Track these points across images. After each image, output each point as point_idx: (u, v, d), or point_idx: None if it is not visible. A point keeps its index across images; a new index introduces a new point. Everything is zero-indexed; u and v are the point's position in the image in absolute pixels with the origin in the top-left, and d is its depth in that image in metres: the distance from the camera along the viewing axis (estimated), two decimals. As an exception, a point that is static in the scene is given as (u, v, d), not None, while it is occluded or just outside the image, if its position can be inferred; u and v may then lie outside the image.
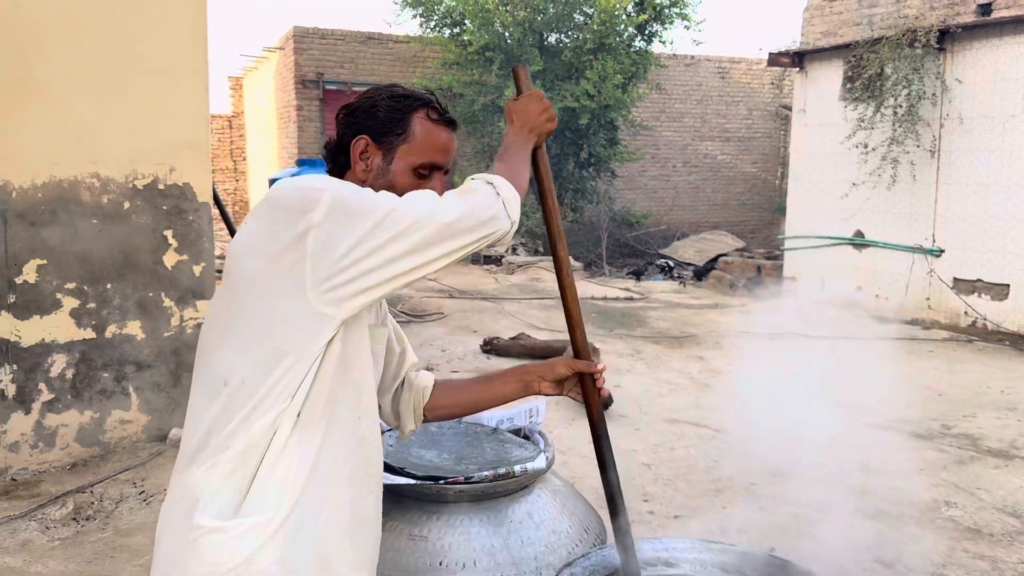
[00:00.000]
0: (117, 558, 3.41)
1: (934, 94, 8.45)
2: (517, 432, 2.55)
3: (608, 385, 5.91)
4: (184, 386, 4.48)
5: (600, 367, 1.67)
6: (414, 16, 12.38)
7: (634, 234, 14.39)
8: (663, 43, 12.77)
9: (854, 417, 5.42)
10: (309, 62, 13.59)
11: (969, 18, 8.19)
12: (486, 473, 2.10)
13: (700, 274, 11.68)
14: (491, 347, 7.10)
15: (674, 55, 13.83)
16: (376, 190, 1.36)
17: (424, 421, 1.75)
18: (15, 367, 4.08)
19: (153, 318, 4.38)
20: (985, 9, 8.13)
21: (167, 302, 4.40)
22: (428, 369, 1.90)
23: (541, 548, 2.12)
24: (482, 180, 1.38)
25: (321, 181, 1.31)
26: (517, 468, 2.12)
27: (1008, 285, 8.11)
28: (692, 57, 15.42)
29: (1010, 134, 7.97)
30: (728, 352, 7.18)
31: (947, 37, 8.34)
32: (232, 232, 4.20)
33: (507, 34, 11.98)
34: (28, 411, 4.15)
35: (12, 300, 4.03)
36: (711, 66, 15.98)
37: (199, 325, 4.47)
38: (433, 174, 1.47)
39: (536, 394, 1.68)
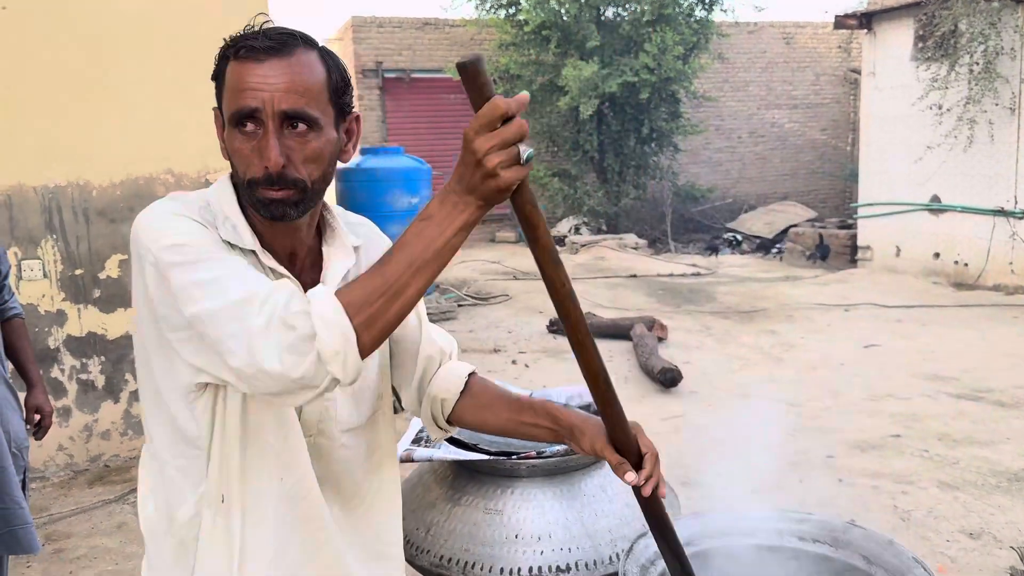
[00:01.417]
0: (206, 538, 3.55)
1: (1012, 49, 8.05)
2: (587, 407, 2.56)
3: (679, 360, 5.87)
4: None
5: (632, 478, 1.20)
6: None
7: (699, 208, 14.16)
8: (724, 11, 12.49)
9: (935, 387, 5.27)
10: (368, 51, 13.72)
11: (1050, -35, 7.77)
12: (558, 448, 2.12)
13: (769, 246, 11.44)
14: (557, 327, 7.11)
15: (736, 23, 13.49)
16: (234, 166, 1.16)
17: (452, 427, 1.44)
18: (103, 359, 4.27)
19: (229, 308, 4.51)
20: (1068, -45, 7.70)
21: (242, 292, 4.53)
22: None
23: (615, 521, 2.13)
24: (306, 317, 0.99)
25: (155, 227, 1.10)
26: (589, 444, 2.13)
27: (1099, 245, 7.73)
28: (755, 24, 15.02)
29: (1098, 86, 7.55)
30: (801, 325, 7.03)
31: (1026, -13, 7.93)
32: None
33: (563, 11, 11.87)
34: (117, 400, 4.34)
35: (97, 295, 4.21)
36: (775, 32, 15.54)
37: (273, 313, 4.59)
38: (259, 125, 1.11)
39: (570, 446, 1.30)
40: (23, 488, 2.57)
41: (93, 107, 4.07)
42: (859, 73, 15.63)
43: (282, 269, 1.22)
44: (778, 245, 11.75)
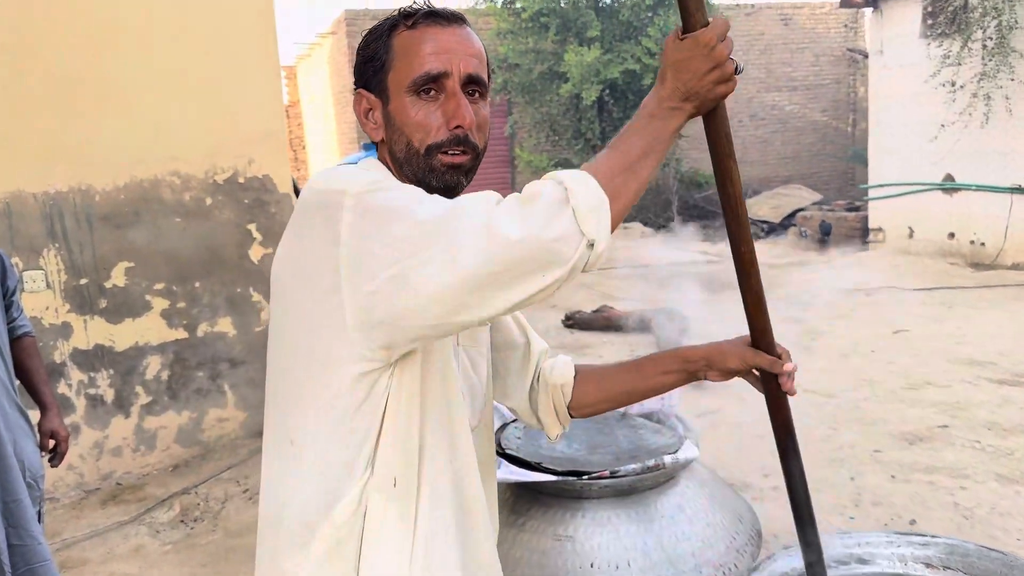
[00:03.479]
0: (230, 559, 3.36)
1: (1029, 21, 7.87)
2: (648, 416, 2.37)
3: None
4: (277, 381, 4.42)
5: (791, 366, 1.30)
6: (465, -13, 12.12)
7: (703, 194, 13.97)
8: (724, -7, 12.26)
9: (974, 373, 5.10)
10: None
11: (1065, -65, 7.58)
12: (634, 466, 1.93)
13: (776, 231, 11.26)
14: (573, 321, 6.92)
15: (736, 5, 13.28)
16: (394, 148, 1.13)
17: (572, 419, 1.43)
18: (112, 372, 4.06)
19: (243, 313, 4.31)
20: (1083, -77, 7.51)
21: (256, 296, 4.33)
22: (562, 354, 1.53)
23: (698, 544, 1.94)
24: (552, 181, 0.95)
25: (343, 176, 1.02)
26: (667, 459, 1.94)
27: (1122, 221, 7.57)
28: (752, 6, 14.81)
29: (1118, 57, 7.38)
30: (823, 311, 6.84)
31: (1041, -42, 7.75)
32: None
33: (561, -2, 11.65)
34: (128, 415, 4.13)
35: (104, 304, 4.00)
36: (773, 14, 15.32)
37: (288, 318, 4.39)
38: (444, 90, 1.10)
39: (703, 380, 1.34)
40: (39, 520, 2.37)
41: (94, 107, 3.85)
42: (859, 53, 15.47)
43: None
44: (803, 229, 11.56)
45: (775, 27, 15.39)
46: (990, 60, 8.03)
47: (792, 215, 11.71)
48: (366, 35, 1.17)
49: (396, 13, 1.15)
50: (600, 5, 12.04)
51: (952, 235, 9.10)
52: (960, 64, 8.28)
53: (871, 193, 10.13)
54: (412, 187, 1.03)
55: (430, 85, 1.11)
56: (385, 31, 1.14)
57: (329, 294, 0.99)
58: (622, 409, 2.42)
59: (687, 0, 1.03)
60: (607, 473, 1.92)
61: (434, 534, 1.11)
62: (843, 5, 10.10)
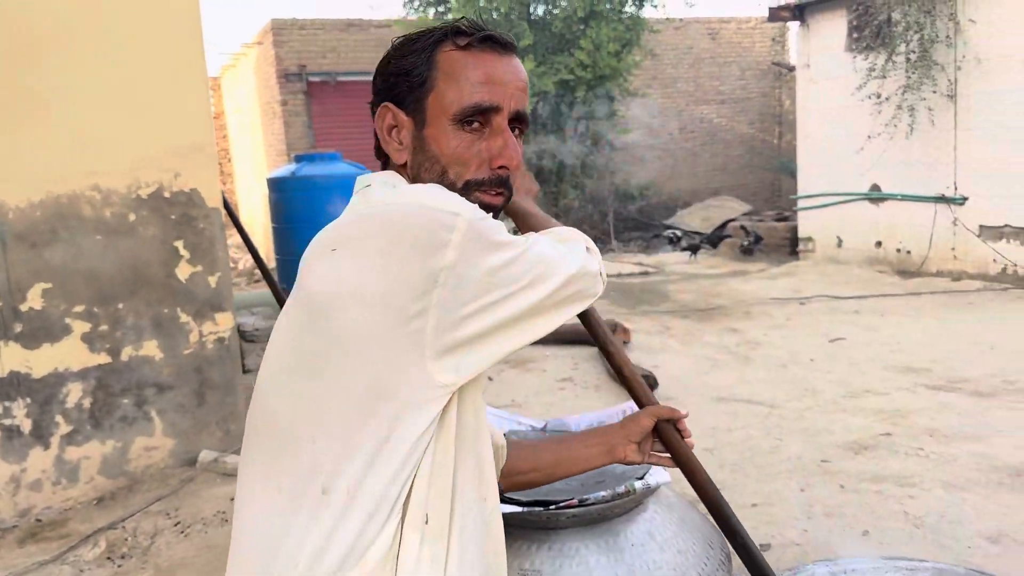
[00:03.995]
0: (162, 600, 3.14)
1: (948, 36, 8.15)
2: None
3: (647, 364, 5.67)
4: (210, 404, 4.19)
5: (683, 412, 1.44)
6: (398, -3, 11.98)
7: (637, 206, 14.10)
8: (655, 6, 12.42)
9: (911, 380, 5.19)
10: (290, 55, 13.18)
11: (979, -45, 7.89)
12: (603, 493, 1.83)
13: (713, 242, 11.41)
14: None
15: (667, 19, 13.47)
16: (421, 175, 1.08)
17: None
18: (28, 400, 3.78)
19: (170, 335, 4.07)
20: (996, -56, 7.82)
21: (184, 317, 4.09)
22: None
23: (669, 572, 1.85)
24: (576, 232, 1.16)
25: (451, 199, 0.97)
26: (638, 484, 1.85)
27: (1038, 228, 7.88)
28: (681, 20, 15.06)
29: (1031, 72, 7.70)
30: (761, 321, 6.92)
31: (957, -24, 8.05)
32: (249, 243, 3.88)
33: (493, 9, 11.61)
34: (47, 446, 3.85)
35: (19, 329, 3.72)
36: (700, 28, 15.62)
37: (220, 339, 4.17)
38: (490, 124, 1.08)
39: (622, 460, 1.40)
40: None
41: (6, 119, 3.58)
42: (784, 66, 15.88)
43: None
44: (746, 240, 11.72)
45: (703, 41, 15.69)
46: (913, 73, 8.29)
47: (723, 226, 11.89)
48: (401, 44, 1.10)
49: (442, 26, 1.09)
50: (532, 17, 12.05)
51: (879, 244, 9.35)
52: (885, 77, 8.53)
53: (800, 204, 10.35)
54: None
55: (476, 117, 1.07)
56: (429, 45, 1.08)
57: (410, 319, 0.93)
58: (585, 426, 2.33)
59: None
60: (575, 502, 1.82)
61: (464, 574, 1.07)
62: (771, 19, 10.32)
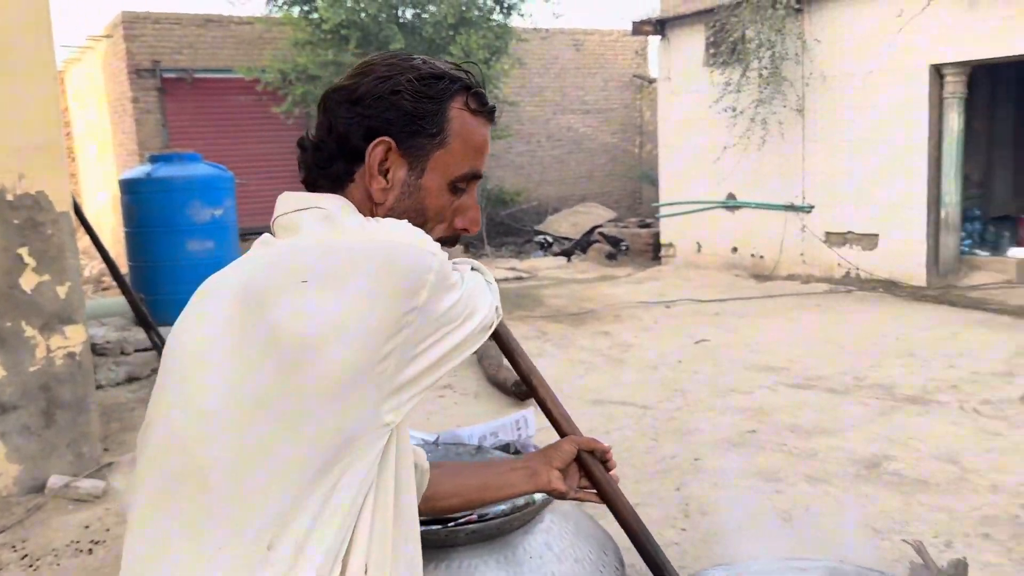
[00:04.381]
0: (8, 645, 2.85)
1: (796, 54, 8.69)
2: (506, 448, 2.25)
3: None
4: (60, 425, 3.86)
5: (606, 446, 1.42)
6: (260, -6, 11.54)
7: (508, 212, 14.22)
8: (522, 16, 12.58)
9: (771, 378, 5.46)
10: (142, 50, 12.45)
11: (823, -21, 8.46)
12: (502, 507, 1.80)
13: (583, 247, 11.66)
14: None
15: (535, 28, 13.67)
16: (398, 214, 1.05)
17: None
18: None
19: (14, 351, 3.72)
20: (837, -30, 8.41)
21: (29, 331, 3.75)
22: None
23: (569, 583, 1.84)
24: (468, 265, 1.12)
25: (426, 237, 0.98)
26: (538, 496, 1.83)
27: (877, 235, 8.52)
28: (547, 30, 15.33)
29: (870, 90, 8.31)
30: (631, 324, 7.11)
31: (804, -2, 8.59)
32: (102, 249, 3.60)
33: (362, 11, 11.40)
34: None
35: None
36: (565, 39, 15.95)
37: (70, 355, 3.85)
38: (470, 187, 1.13)
39: (545, 488, 1.36)
40: None
41: None
42: (643, 79, 16.48)
43: None
44: (624, 245, 12.00)
45: (568, 52, 16.03)
46: (766, 88, 8.78)
47: (590, 232, 12.18)
48: (412, 80, 1.06)
49: (455, 75, 1.09)
50: (401, 20, 11.92)
51: (735, 249, 9.84)
52: (740, 91, 8.99)
53: (662, 211, 10.74)
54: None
55: (467, 184, 1.12)
56: (444, 95, 1.07)
57: (381, 360, 0.90)
58: (476, 443, 2.29)
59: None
60: (475, 517, 1.78)
61: None
62: (634, 33, 10.66)
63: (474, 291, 1.02)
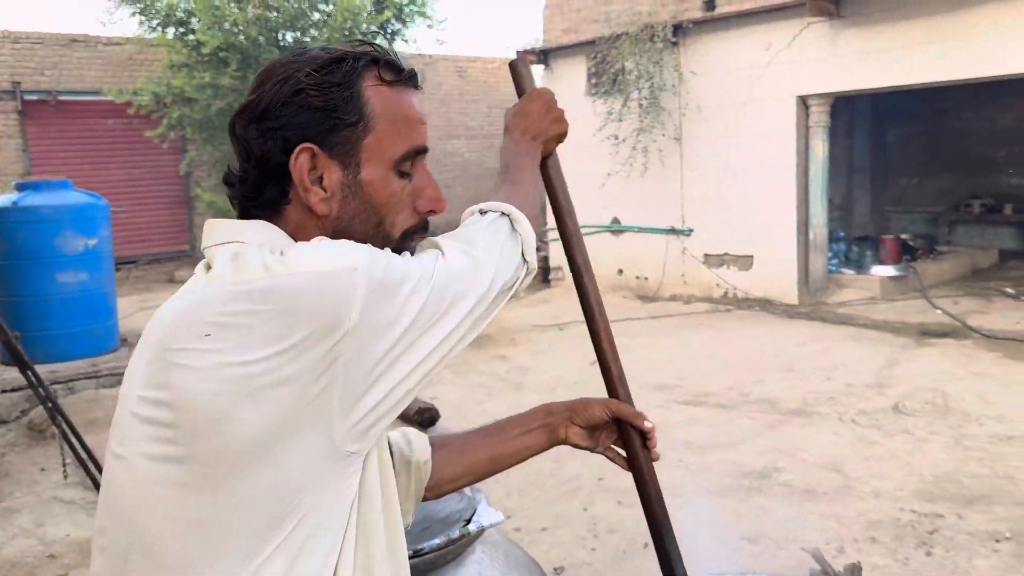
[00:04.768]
0: None
1: (674, 85, 9.10)
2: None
3: (425, 396, 5.70)
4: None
5: (650, 425, 1.29)
6: (133, 14, 11.09)
7: (394, 237, 14.14)
8: (406, 42, 12.62)
9: (663, 396, 5.66)
10: (1, 70, 11.72)
11: (697, 14, 8.91)
12: (437, 541, 1.79)
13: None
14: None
15: (420, 54, 13.74)
16: (353, 226, 0.97)
17: (424, 501, 1.31)
18: None
19: None
20: (709, 5, 8.89)
21: None
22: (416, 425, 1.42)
23: (505, 613, 1.85)
24: (497, 212, 1.06)
25: (345, 252, 0.87)
26: (473, 527, 1.83)
27: (752, 256, 8.99)
28: (430, 56, 15.43)
29: (742, 119, 8.80)
30: (527, 347, 7.21)
31: (680, 31, 9.03)
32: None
33: (241, 33, 11.14)
34: None
35: None
36: (449, 65, 16.12)
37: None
38: (417, 165, 1.01)
39: (563, 441, 1.27)
40: None
41: None
42: (527, 105, 16.84)
43: None
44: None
45: (452, 78, 16.20)
46: (645, 117, 9.14)
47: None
48: (312, 72, 0.94)
49: (355, 53, 0.97)
50: (282, 43, 11.72)
51: (621, 271, 10.14)
52: (621, 120, 9.33)
53: (551, 235, 10.96)
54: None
55: (413, 161, 1.00)
56: (349, 78, 0.95)
57: (312, 401, 0.82)
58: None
59: (517, 75, 1.31)
60: (410, 553, 1.76)
61: None
62: (518, 61, 10.89)
63: (455, 271, 0.92)
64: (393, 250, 0.93)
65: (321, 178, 0.96)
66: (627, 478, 4.17)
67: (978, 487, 3.88)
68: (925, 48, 7.51)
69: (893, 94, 9.19)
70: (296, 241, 0.95)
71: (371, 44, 1.00)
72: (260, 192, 0.97)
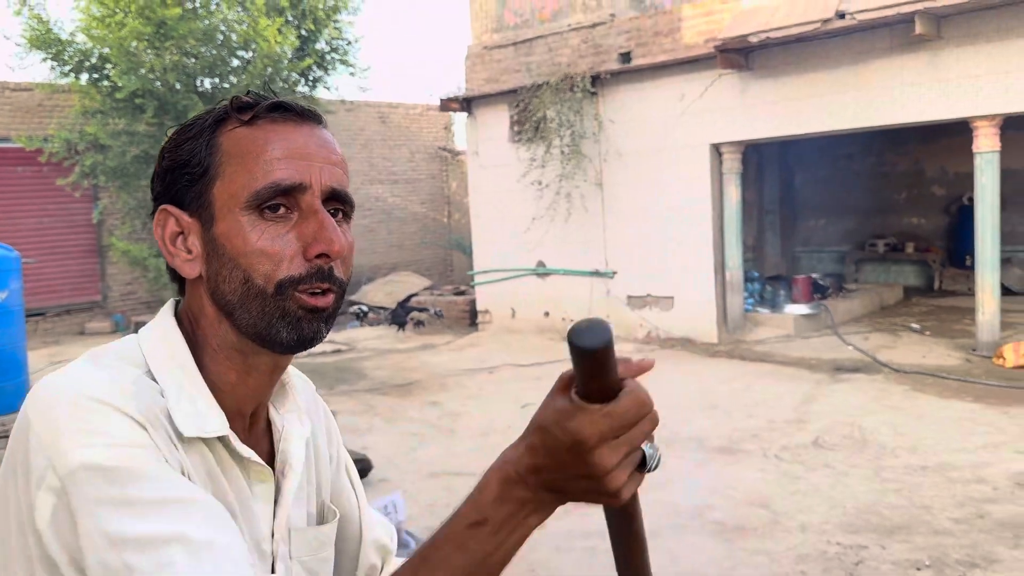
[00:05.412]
0: None
1: (594, 133, 9.39)
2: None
3: (355, 446, 5.63)
4: None
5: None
6: (44, 59, 10.79)
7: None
8: (328, 88, 12.64)
9: (595, 439, 5.72)
10: None
11: (614, 65, 9.25)
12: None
13: (397, 316, 11.67)
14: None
15: (341, 100, 13.76)
16: (222, 288, 0.85)
17: None
18: None
19: None
20: (626, 57, 9.24)
21: None
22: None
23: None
24: None
25: (64, 425, 0.73)
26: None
27: (672, 297, 9.25)
28: (352, 102, 15.48)
29: (659, 166, 9.13)
30: (457, 392, 7.21)
31: (598, 82, 9.34)
32: None
33: (157, 79, 10.96)
34: None
35: None
36: (371, 111, 16.19)
37: None
38: (299, 207, 0.85)
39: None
40: None
41: None
42: (449, 151, 17.03)
43: (258, 459, 0.88)
44: (436, 310, 12.05)
45: (374, 124, 16.27)
46: (568, 163, 9.38)
47: (407, 300, 12.25)
48: (176, 134, 0.89)
49: (222, 104, 0.88)
50: (200, 89, 11.58)
51: (547, 313, 10.28)
52: (544, 166, 9.54)
53: (477, 279, 11.04)
54: (164, 469, 0.75)
55: (279, 200, 0.83)
56: (207, 127, 0.87)
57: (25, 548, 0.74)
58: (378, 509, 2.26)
59: (595, 358, 0.67)
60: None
61: None
62: (442, 109, 11.04)
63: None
64: (270, 309, 0.84)
65: (186, 239, 0.87)
66: (564, 523, 4.21)
67: (898, 517, 4.07)
68: (828, 98, 7.98)
69: (800, 141, 9.69)
70: (200, 321, 0.88)
71: (258, 93, 0.89)
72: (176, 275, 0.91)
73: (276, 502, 0.91)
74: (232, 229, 0.84)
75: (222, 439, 0.84)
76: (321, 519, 0.99)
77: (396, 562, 1.06)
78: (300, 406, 0.97)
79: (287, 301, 0.84)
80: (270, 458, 0.92)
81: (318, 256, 0.84)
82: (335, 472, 1.05)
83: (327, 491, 1.02)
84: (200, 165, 0.85)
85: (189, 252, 0.87)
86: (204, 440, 0.82)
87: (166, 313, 0.89)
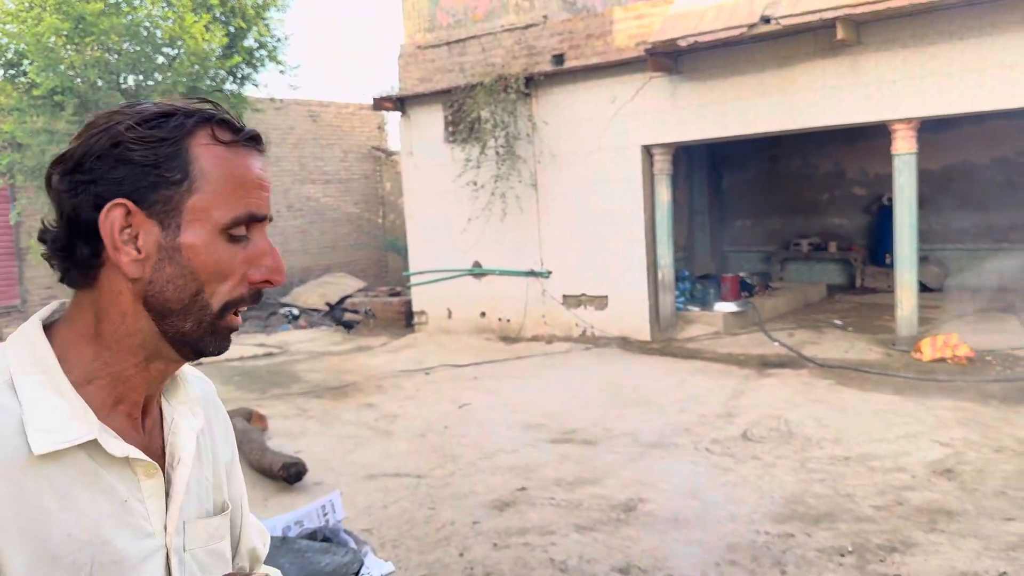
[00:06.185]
0: None
1: (528, 134, 9.44)
2: (312, 536, 2.22)
3: (289, 450, 5.55)
4: None
5: None
6: (-45, 54, 10.32)
7: (249, 285, 13.70)
8: (256, 86, 12.40)
9: (532, 436, 5.78)
10: None
11: (547, 67, 9.32)
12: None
13: (336, 318, 11.53)
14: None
15: (270, 99, 13.51)
16: (166, 293, 0.88)
17: None
18: None
19: None
20: (559, 59, 9.32)
21: None
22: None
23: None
24: None
25: None
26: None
27: (606, 296, 9.37)
28: (282, 101, 15.22)
29: (592, 167, 9.24)
30: (394, 394, 7.17)
31: (532, 83, 9.40)
32: None
33: (77, 76, 10.59)
34: None
35: None
36: (301, 110, 15.95)
37: None
38: (255, 231, 0.92)
39: None
40: None
41: None
42: (382, 151, 16.89)
43: (140, 455, 0.89)
44: (367, 310, 11.90)
45: (305, 123, 16.02)
46: (502, 164, 9.41)
47: (341, 302, 12.11)
48: (134, 126, 0.86)
49: (190, 110, 0.89)
50: (124, 86, 11.24)
51: (483, 314, 10.30)
52: (479, 167, 9.55)
53: (412, 279, 10.99)
54: None
55: (247, 227, 0.91)
56: (179, 133, 0.87)
57: None
58: (280, 533, 2.24)
59: None
60: (302, 610, 1.75)
61: None
62: (375, 108, 10.94)
63: None
64: (207, 325, 0.90)
65: (137, 237, 0.87)
66: (502, 521, 4.25)
67: (822, 506, 4.22)
68: (754, 101, 8.20)
69: (728, 143, 9.93)
70: (110, 312, 0.89)
71: (211, 102, 0.93)
72: (70, 253, 0.89)
73: (168, 495, 0.92)
74: (200, 244, 0.88)
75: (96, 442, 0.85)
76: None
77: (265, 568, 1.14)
78: (192, 397, 1.01)
79: (221, 320, 0.91)
80: (164, 451, 0.96)
81: (264, 282, 0.93)
82: (231, 474, 1.09)
83: (226, 491, 1.05)
84: (176, 173, 0.87)
85: (139, 252, 0.87)
86: (81, 444, 0.84)
87: (34, 319, 0.91)
